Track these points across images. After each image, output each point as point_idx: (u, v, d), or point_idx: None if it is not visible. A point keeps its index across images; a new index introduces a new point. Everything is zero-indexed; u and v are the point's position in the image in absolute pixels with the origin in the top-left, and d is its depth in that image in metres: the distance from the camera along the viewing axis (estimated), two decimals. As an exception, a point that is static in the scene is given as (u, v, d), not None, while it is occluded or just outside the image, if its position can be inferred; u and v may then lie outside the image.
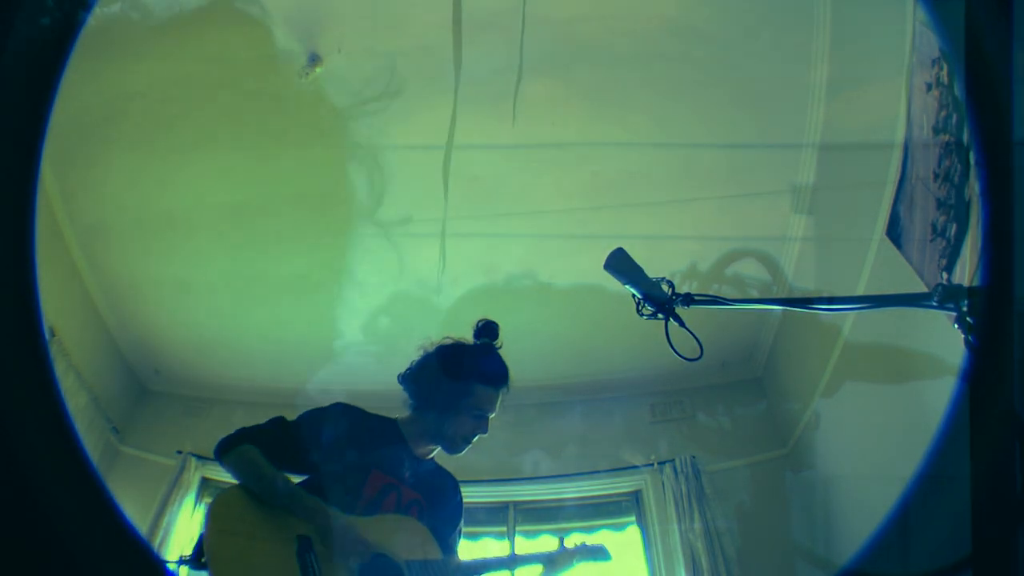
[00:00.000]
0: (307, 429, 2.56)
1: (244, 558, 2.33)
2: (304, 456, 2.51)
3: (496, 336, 2.82)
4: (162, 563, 2.15)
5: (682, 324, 2.12)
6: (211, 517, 2.35)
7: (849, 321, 3.59)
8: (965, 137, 2.54)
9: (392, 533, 2.48)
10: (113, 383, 4.21)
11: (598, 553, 3.08)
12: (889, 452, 3.27)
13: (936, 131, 2.76)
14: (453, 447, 2.70)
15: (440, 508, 2.68)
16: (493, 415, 2.72)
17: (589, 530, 4.28)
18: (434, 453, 2.76)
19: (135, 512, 3.64)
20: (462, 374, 2.71)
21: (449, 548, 2.64)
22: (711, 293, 2.14)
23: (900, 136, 3.09)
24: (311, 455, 2.52)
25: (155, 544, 3.63)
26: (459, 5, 3.37)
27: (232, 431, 2.53)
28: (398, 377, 2.76)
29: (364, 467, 2.56)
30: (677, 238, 3.90)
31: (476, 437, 2.70)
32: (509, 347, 4.41)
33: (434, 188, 3.96)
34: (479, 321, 2.83)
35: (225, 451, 2.46)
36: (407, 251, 4.14)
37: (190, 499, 3.87)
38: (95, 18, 3.23)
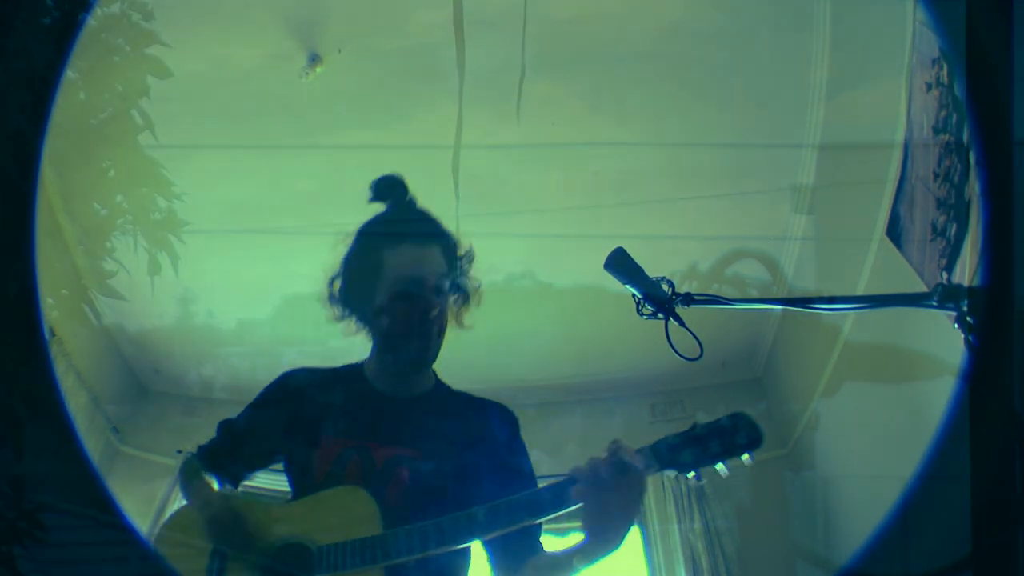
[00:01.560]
0: (244, 421, 2.19)
1: None
2: (248, 453, 2.16)
3: (394, 193, 2.23)
4: (162, 562, 2.06)
5: (682, 324, 2.12)
6: (158, 541, 2.11)
7: (849, 321, 3.58)
8: (965, 137, 2.54)
9: (314, 514, 1.96)
10: (113, 383, 4.21)
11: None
12: (889, 452, 3.27)
13: (936, 131, 2.76)
14: (398, 351, 2.08)
15: (457, 450, 2.04)
16: (430, 287, 2.07)
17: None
18: (428, 375, 2.15)
19: (135, 512, 3.63)
20: (364, 253, 2.17)
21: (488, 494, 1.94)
22: (711, 293, 2.14)
23: (900, 136, 3.09)
24: (253, 449, 2.16)
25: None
26: (459, 5, 3.37)
27: None
28: (325, 299, 2.26)
29: (312, 437, 2.05)
30: (677, 238, 3.90)
31: (423, 328, 2.06)
32: (509, 347, 4.41)
33: (434, 188, 3.95)
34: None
35: (180, 474, 2.23)
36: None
37: (190, 499, 3.86)
38: (95, 18, 3.24)
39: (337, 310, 2.22)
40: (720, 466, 1.93)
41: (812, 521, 3.90)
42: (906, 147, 3.06)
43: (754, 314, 4.25)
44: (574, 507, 1.87)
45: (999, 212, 1.85)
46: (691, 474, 1.95)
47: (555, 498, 1.87)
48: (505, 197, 3.94)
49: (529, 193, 3.96)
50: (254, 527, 1.98)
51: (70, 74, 3.20)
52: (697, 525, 4.08)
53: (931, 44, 2.77)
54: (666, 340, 2.14)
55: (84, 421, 3.78)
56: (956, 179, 2.62)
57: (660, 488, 4.26)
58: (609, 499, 1.84)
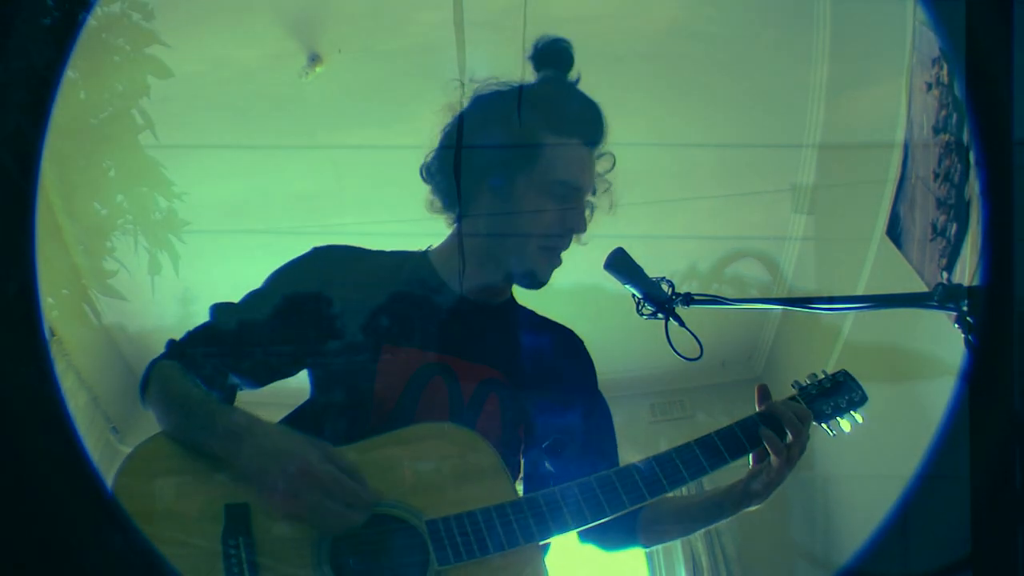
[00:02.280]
0: (258, 308, 1.57)
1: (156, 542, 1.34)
2: (258, 355, 1.52)
3: (568, 65, 1.71)
4: (162, 561, 2.01)
5: (682, 324, 2.12)
6: (118, 479, 1.45)
7: (849, 321, 3.58)
8: (965, 137, 2.54)
9: (408, 461, 1.36)
10: (113, 383, 4.20)
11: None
12: (889, 452, 3.26)
13: (936, 131, 2.76)
14: (529, 262, 1.65)
15: (541, 377, 1.65)
16: (588, 197, 1.65)
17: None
18: (505, 289, 1.73)
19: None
20: (521, 119, 1.64)
21: (584, 442, 1.62)
22: (711, 293, 2.14)
23: (900, 136, 3.08)
24: (265, 348, 1.50)
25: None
26: (460, 5, 3.37)
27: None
28: (420, 171, 1.70)
29: (368, 345, 1.50)
30: (677, 238, 3.90)
31: (569, 237, 1.65)
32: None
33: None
34: (538, 42, 1.67)
35: (143, 384, 1.55)
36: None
37: (190, 499, 3.85)
38: (95, 18, 3.24)
39: (440, 186, 1.71)
40: (847, 421, 1.91)
41: (812, 521, 3.90)
42: (906, 147, 3.06)
43: (754, 314, 4.25)
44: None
45: (999, 212, 1.85)
46: (825, 426, 1.90)
47: (749, 438, 1.67)
48: (505, 197, 3.94)
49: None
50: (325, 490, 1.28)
51: (70, 74, 3.19)
52: (697, 525, 4.08)
53: (931, 44, 2.77)
54: (666, 340, 2.14)
55: (84, 421, 3.78)
56: (956, 179, 2.62)
57: (660, 488, 4.26)
58: (795, 457, 1.71)
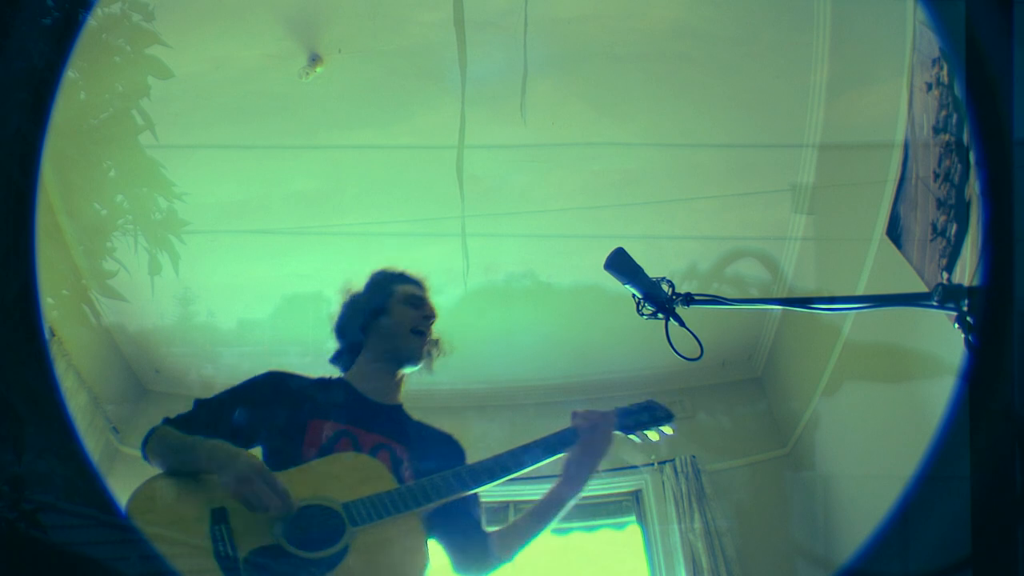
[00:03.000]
0: (228, 399, 2.29)
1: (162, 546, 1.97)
2: (231, 425, 2.20)
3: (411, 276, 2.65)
4: (162, 561, 2.05)
5: (682, 324, 2.12)
6: (130, 512, 2.01)
7: (849, 321, 3.59)
8: (965, 137, 2.54)
9: (327, 476, 2.06)
10: (113, 383, 4.21)
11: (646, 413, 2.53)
12: (889, 452, 3.27)
13: (936, 131, 2.76)
14: (408, 346, 2.40)
15: (425, 457, 2.28)
16: (429, 306, 2.49)
17: (589, 529, 4.28)
18: (400, 395, 2.42)
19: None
20: (377, 284, 2.54)
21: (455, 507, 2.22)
22: (711, 293, 2.14)
23: (900, 136, 3.09)
24: (237, 423, 2.21)
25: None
26: (460, 5, 3.37)
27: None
28: (335, 331, 2.53)
29: (298, 422, 2.21)
30: (677, 238, 3.90)
31: (427, 324, 2.44)
32: (509, 346, 4.41)
33: (434, 188, 3.95)
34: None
35: (145, 443, 2.16)
36: (408, 251, 4.14)
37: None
38: (95, 18, 3.24)
39: (344, 336, 2.53)
40: (654, 433, 2.49)
41: (812, 521, 3.90)
42: (906, 147, 3.06)
43: (754, 314, 4.26)
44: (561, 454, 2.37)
45: (999, 212, 1.85)
46: (632, 436, 2.50)
47: (558, 443, 2.38)
48: (505, 197, 3.95)
49: (529, 193, 3.97)
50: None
51: (70, 74, 3.20)
52: (697, 525, 4.09)
53: (931, 44, 2.77)
54: (666, 340, 2.14)
55: (84, 421, 3.79)
56: (956, 179, 2.62)
57: (660, 488, 4.26)
58: (597, 448, 2.42)
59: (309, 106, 3.69)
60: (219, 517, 1.99)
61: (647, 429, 2.50)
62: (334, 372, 2.47)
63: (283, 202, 4.01)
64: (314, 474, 2.07)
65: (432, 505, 2.08)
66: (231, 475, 1.99)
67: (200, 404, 2.29)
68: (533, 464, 2.33)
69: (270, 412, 2.23)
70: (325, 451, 2.15)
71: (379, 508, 2.02)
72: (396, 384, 2.41)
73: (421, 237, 4.05)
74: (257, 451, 2.18)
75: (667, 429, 2.49)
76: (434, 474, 2.15)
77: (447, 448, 2.38)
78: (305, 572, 1.93)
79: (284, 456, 2.14)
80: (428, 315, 2.46)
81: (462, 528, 2.26)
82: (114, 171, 3.70)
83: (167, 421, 2.23)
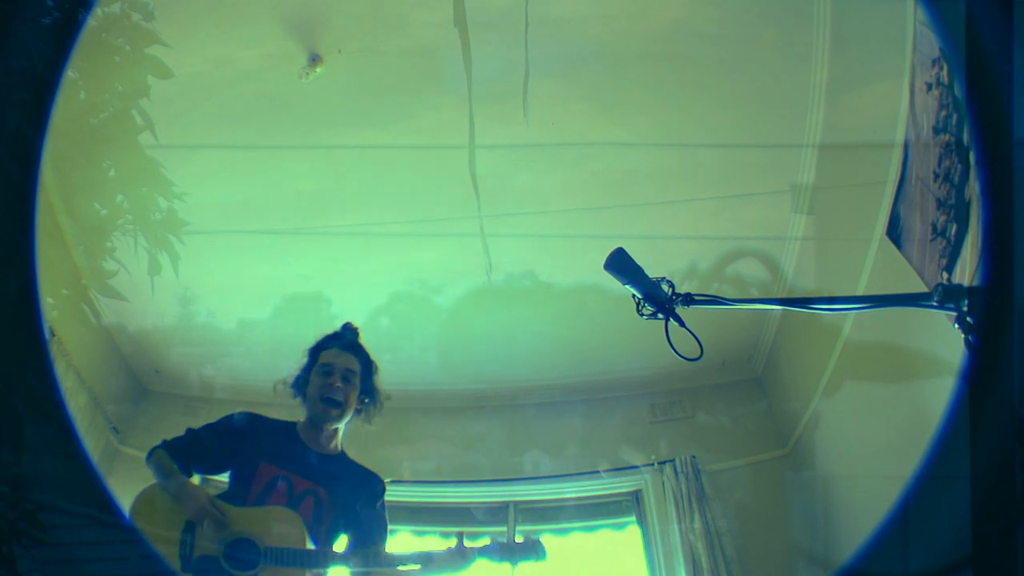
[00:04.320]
0: (207, 434, 3.02)
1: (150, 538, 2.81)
2: (206, 457, 2.98)
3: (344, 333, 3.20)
4: (161, 561, 2.20)
5: (682, 324, 2.12)
6: (133, 510, 2.82)
7: (849, 321, 3.59)
8: (965, 137, 2.54)
9: (263, 522, 2.85)
10: (113, 383, 4.21)
11: (517, 552, 3.04)
12: (889, 452, 3.27)
13: (936, 131, 2.76)
14: (316, 411, 3.02)
15: (345, 497, 2.95)
16: (340, 371, 3.05)
17: (589, 529, 4.28)
18: (335, 443, 3.06)
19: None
20: (310, 351, 3.13)
21: (360, 535, 2.92)
22: (711, 293, 2.14)
23: (900, 136, 3.09)
24: (210, 456, 2.98)
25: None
26: (461, 5, 3.37)
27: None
28: (292, 388, 3.15)
29: (253, 461, 2.95)
30: (677, 238, 3.90)
31: (334, 391, 3.01)
32: (509, 346, 4.41)
33: (434, 188, 3.96)
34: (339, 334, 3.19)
35: (148, 456, 2.93)
36: (408, 251, 4.14)
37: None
38: (95, 18, 3.24)
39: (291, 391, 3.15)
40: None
41: (812, 521, 3.90)
42: (906, 147, 3.06)
43: (754, 314, 4.26)
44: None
45: (999, 212, 1.85)
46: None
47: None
48: (506, 197, 3.95)
49: (529, 193, 3.97)
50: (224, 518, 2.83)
51: (70, 74, 3.20)
52: (697, 525, 4.09)
53: (931, 44, 2.77)
54: (666, 340, 2.14)
55: (84, 421, 3.79)
56: (956, 179, 2.62)
57: (660, 488, 4.26)
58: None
59: (309, 106, 3.69)
60: (189, 527, 2.81)
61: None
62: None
63: (283, 202, 4.01)
64: (256, 515, 2.87)
65: (316, 569, 2.87)
66: (187, 505, 2.83)
67: (189, 433, 3.02)
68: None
69: (236, 449, 2.98)
70: (268, 489, 2.92)
71: (284, 558, 2.80)
72: (329, 436, 3.04)
73: (421, 237, 4.06)
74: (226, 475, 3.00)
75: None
76: (323, 548, 2.90)
77: (365, 486, 3.01)
78: None
79: (238, 487, 2.92)
80: (334, 383, 3.02)
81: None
82: (114, 171, 3.70)
83: (164, 444, 2.95)
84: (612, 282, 2.15)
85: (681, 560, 4.06)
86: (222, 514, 2.82)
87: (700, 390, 4.44)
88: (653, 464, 4.30)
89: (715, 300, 2.14)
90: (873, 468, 3.45)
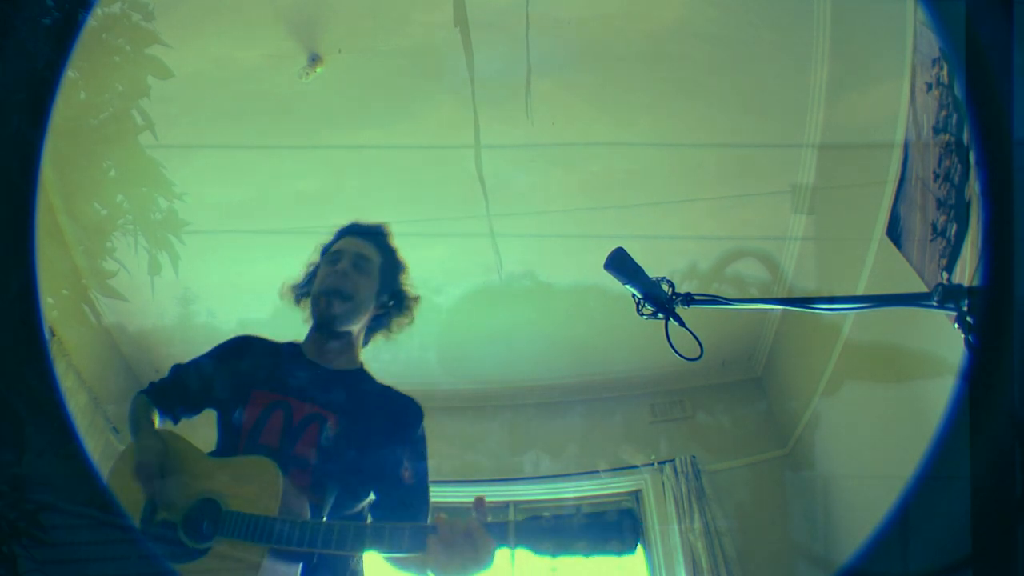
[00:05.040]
0: (194, 368, 2.45)
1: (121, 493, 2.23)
2: (192, 395, 2.39)
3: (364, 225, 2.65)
4: (161, 561, 2.12)
5: (682, 324, 2.12)
6: (109, 472, 2.30)
7: (849, 321, 3.59)
8: (965, 137, 2.54)
9: (232, 480, 2.16)
10: (113, 383, 4.21)
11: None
12: (889, 452, 3.27)
13: (936, 131, 2.76)
14: (316, 306, 2.39)
15: (362, 425, 2.26)
16: (351, 256, 2.44)
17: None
18: (350, 356, 2.39)
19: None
20: (322, 251, 2.56)
21: (387, 487, 2.22)
22: (711, 293, 2.14)
23: (900, 136, 3.09)
24: (196, 393, 2.38)
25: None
26: (462, 5, 3.37)
27: None
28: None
29: (244, 391, 2.29)
30: (677, 238, 3.90)
31: (336, 281, 2.38)
32: (509, 346, 4.40)
33: (435, 188, 3.96)
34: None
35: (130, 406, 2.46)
36: (408, 251, 4.13)
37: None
38: (95, 18, 3.24)
39: (292, 292, 2.60)
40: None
41: (812, 521, 3.90)
42: (906, 147, 3.06)
43: (754, 314, 4.26)
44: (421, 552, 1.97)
45: (999, 212, 1.85)
46: (548, 559, 1.91)
47: (412, 541, 1.98)
48: (505, 197, 3.95)
49: (530, 193, 3.97)
50: (179, 476, 2.21)
51: (70, 74, 3.20)
52: (697, 525, 4.09)
53: (931, 44, 2.77)
54: (666, 340, 2.14)
55: (84, 421, 3.79)
56: (956, 179, 2.62)
57: (660, 488, 4.26)
58: (454, 560, 1.93)
59: (309, 106, 3.69)
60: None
61: (566, 556, 1.90)
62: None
63: (283, 202, 4.01)
64: (228, 470, 2.19)
65: (283, 548, 2.06)
66: (137, 463, 2.22)
67: (174, 371, 2.48)
68: (390, 551, 2.04)
69: (226, 380, 2.36)
70: (260, 424, 2.24)
71: (244, 529, 2.07)
72: (340, 347, 2.38)
73: (421, 237, 4.05)
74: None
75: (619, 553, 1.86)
76: (306, 521, 2.10)
77: (392, 409, 2.32)
78: (179, 551, 2.11)
79: (228, 429, 2.28)
80: (341, 269, 2.39)
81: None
82: (114, 171, 3.70)
83: (147, 388, 2.46)
84: (612, 282, 2.15)
85: (681, 560, 4.06)
86: (157, 476, 2.16)
87: (700, 390, 4.43)
88: (653, 464, 4.30)
89: (715, 300, 2.14)
90: (873, 468, 3.45)
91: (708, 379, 4.40)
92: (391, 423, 2.29)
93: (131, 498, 2.18)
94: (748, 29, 3.51)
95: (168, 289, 3.94)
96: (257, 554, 2.04)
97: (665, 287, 2.10)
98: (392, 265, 2.50)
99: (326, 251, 2.50)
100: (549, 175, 3.95)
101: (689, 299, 2.10)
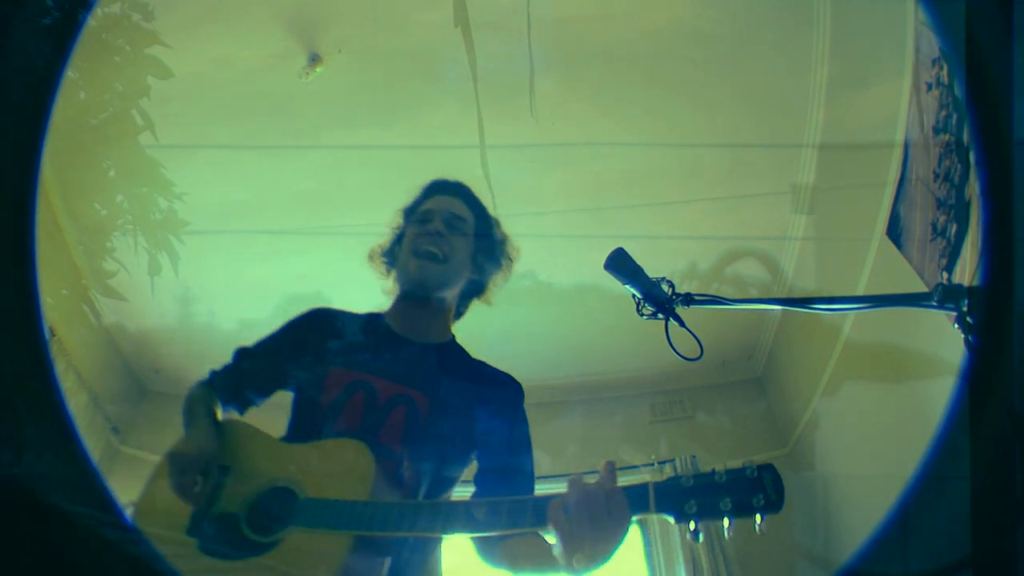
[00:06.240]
0: (262, 347, 2.20)
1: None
2: (261, 377, 2.15)
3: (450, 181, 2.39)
4: (162, 561, 2.06)
5: (682, 324, 2.12)
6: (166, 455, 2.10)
7: (849, 321, 3.59)
8: (965, 137, 2.54)
9: (311, 464, 1.91)
10: (113, 383, 4.21)
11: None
12: (889, 452, 3.27)
13: (936, 131, 2.76)
14: (406, 272, 2.18)
15: (456, 404, 2.05)
16: (444, 216, 2.22)
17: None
18: (442, 328, 2.18)
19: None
20: (405, 212, 2.34)
21: (483, 441, 2.00)
22: (711, 293, 2.14)
23: (900, 136, 3.09)
24: (266, 373, 2.14)
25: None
26: (462, 5, 3.37)
27: None
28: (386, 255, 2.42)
29: (320, 370, 2.07)
30: (677, 238, 3.90)
31: (429, 242, 2.17)
32: (509, 347, 4.39)
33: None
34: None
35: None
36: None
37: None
38: (95, 18, 3.24)
39: (383, 259, 2.33)
40: (726, 522, 1.64)
41: (812, 521, 3.90)
42: (906, 147, 3.06)
43: (754, 314, 4.26)
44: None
45: (999, 212, 1.85)
46: (691, 524, 1.65)
47: (535, 514, 1.71)
48: (506, 197, 3.94)
49: (530, 193, 3.97)
50: (245, 463, 1.97)
51: (70, 74, 3.20)
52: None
53: (931, 44, 2.77)
54: (666, 340, 2.14)
55: (84, 421, 3.79)
56: (956, 179, 2.62)
57: (660, 488, 4.26)
58: (586, 533, 1.63)
59: (309, 106, 3.69)
60: (223, 472, 1.98)
61: (719, 517, 1.62)
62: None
63: (283, 202, 4.01)
64: (307, 454, 1.94)
65: (376, 533, 1.81)
66: (187, 453, 2.02)
67: (238, 353, 2.21)
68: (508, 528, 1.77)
69: (302, 355, 2.10)
70: (338, 405, 1.99)
71: (328, 516, 1.80)
72: (431, 317, 2.18)
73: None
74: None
75: (757, 519, 1.62)
76: (406, 503, 1.89)
77: (490, 387, 2.13)
78: (241, 548, 1.85)
79: (302, 408, 2.05)
80: (434, 229, 2.17)
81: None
82: (114, 171, 3.70)
83: (209, 376, 2.21)
84: (612, 282, 2.15)
85: (681, 560, 4.05)
86: (214, 466, 1.93)
87: (700, 390, 4.43)
88: (653, 464, 4.29)
89: (715, 300, 2.14)
90: (873, 468, 3.45)
91: (708, 379, 4.40)
92: (489, 403, 2.10)
93: (183, 493, 1.97)
94: (748, 29, 3.51)
95: (168, 289, 3.93)
96: (339, 547, 1.77)
97: (665, 287, 2.11)
98: (487, 222, 2.32)
99: (411, 211, 2.28)
100: (549, 175, 3.95)
101: (689, 299, 2.10)
